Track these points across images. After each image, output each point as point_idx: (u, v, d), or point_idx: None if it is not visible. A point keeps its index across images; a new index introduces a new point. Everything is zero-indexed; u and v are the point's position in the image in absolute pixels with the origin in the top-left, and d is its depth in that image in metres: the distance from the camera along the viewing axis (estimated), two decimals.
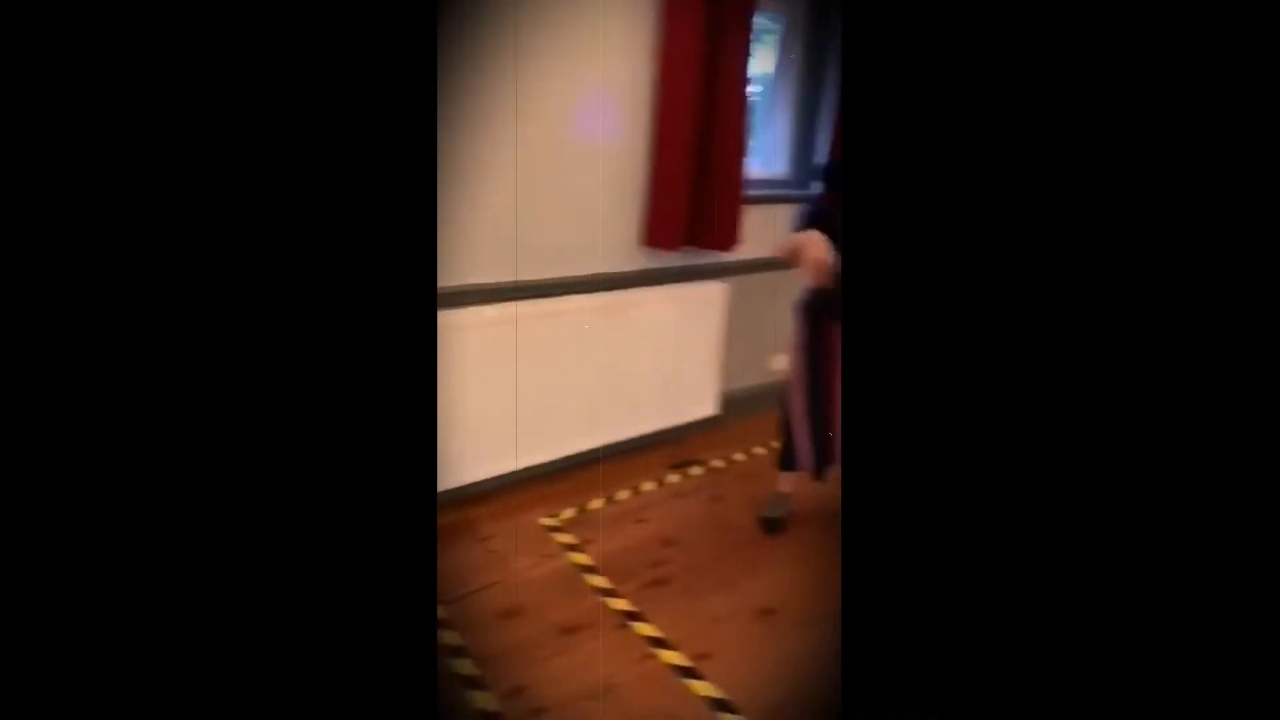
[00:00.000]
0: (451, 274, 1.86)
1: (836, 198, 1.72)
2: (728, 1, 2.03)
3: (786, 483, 2.01)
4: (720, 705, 1.38)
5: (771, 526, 1.97)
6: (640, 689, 1.42)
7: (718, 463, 2.37)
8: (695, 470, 2.32)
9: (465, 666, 1.43)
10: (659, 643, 1.54)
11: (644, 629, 1.57)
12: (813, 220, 1.68)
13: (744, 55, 2.16)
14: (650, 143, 2.11)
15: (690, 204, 2.16)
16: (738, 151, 2.23)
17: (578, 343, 2.11)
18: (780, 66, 2.65)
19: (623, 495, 2.14)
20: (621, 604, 1.65)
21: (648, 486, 2.20)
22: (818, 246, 1.61)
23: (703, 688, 1.42)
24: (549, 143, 1.93)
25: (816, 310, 1.77)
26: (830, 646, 1.55)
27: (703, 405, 2.53)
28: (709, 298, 2.40)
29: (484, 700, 1.35)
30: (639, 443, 2.38)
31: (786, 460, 1.94)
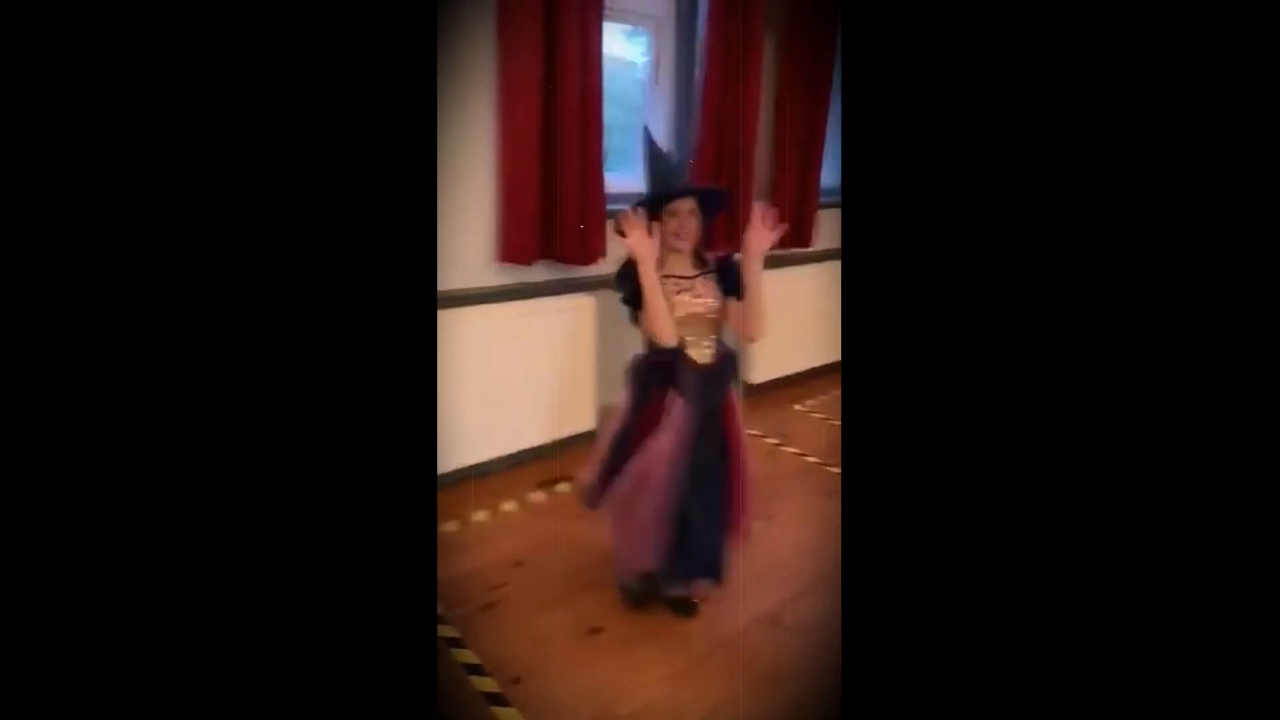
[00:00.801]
0: None
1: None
2: (568, 12, 2.03)
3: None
4: None
5: (636, 599, 1.70)
6: (446, 718, 1.38)
7: None
8: (563, 487, 2.29)
9: None
10: (475, 669, 1.50)
11: (463, 655, 1.53)
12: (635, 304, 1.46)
13: (593, 67, 2.16)
14: (496, 157, 2.09)
15: (541, 217, 2.15)
16: (593, 162, 2.22)
17: (441, 360, 2.08)
18: (652, 76, 2.67)
19: (480, 517, 2.10)
20: (448, 630, 1.61)
21: (509, 507, 2.16)
22: (632, 223, 1.36)
23: (507, 715, 1.38)
24: None
25: (648, 375, 1.52)
26: (656, 662, 1.54)
27: (580, 420, 2.50)
28: (577, 311, 2.38)
29: None
30: (512, 460, 2.34)
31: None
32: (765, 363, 3.06)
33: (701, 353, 1.49)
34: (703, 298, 1.48)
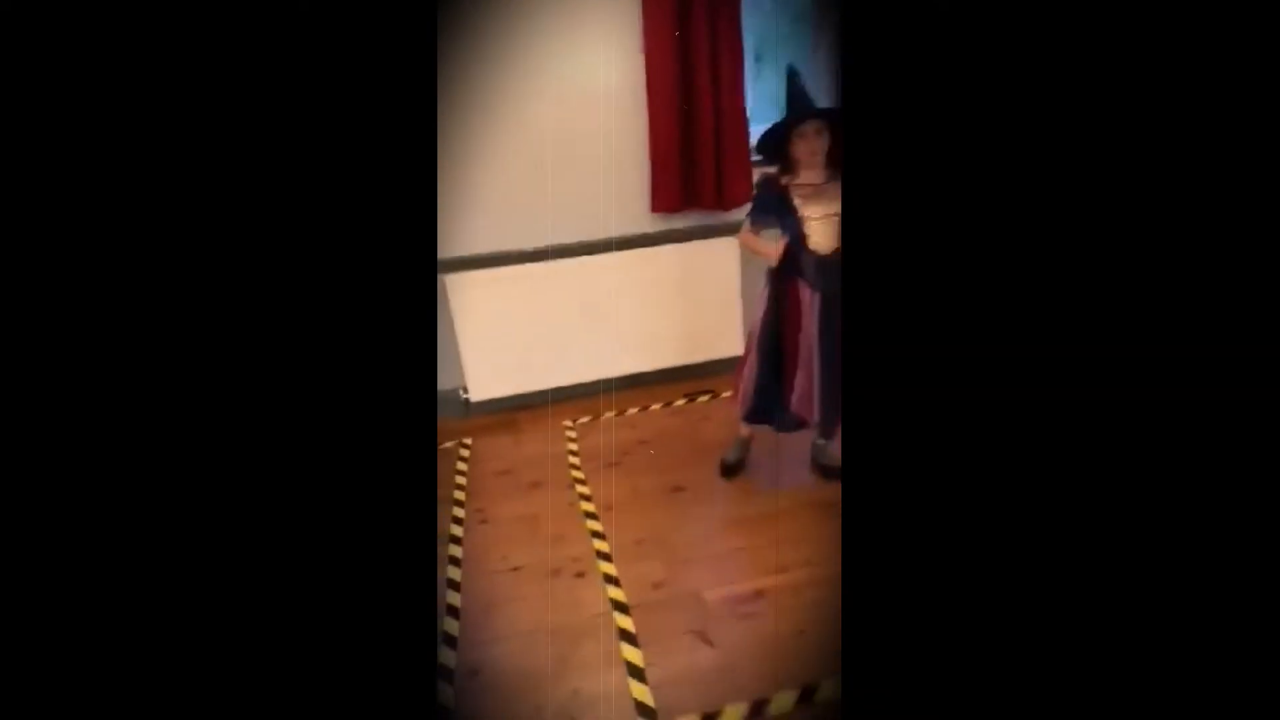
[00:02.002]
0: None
1: (781, 175, 1.83)
2: None
3: (746, 428, 2.15)
4: (596, 534, 1.92)
5: (728, 471, 2.16)
6: (552, 519, 2.02)
7: (728, 393, 2.76)
8: (703, 398, 2.75)
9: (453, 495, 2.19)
10: (585, 497, 2.11)
11: (582, 490, 2.15)
12: (764, 211, 1.85)
13: (727, 23, 2.46)
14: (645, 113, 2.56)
15: (683, 169, 2.58)
16: (730, 114, 2.55)
17: (612, 292, 2.71)
18: (812, 20, 2.85)
19: (632, 411, 2.68)
20: (578, 473, 2.25)
21: (655, 406, 2.71)
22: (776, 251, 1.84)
23: (592, 524, 1.97)
24: (560, 127, 2.51)
25: (784, 269, 1.87)
26: (715, 516, 1.96)
27: (727, 346, 2.90)
28: (720, 252, 2.78)
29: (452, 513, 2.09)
30: (666, 375, 2.87)
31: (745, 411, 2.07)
32: None
33: (824, 244, 1.80)
34: (830, 200, 1.78)
